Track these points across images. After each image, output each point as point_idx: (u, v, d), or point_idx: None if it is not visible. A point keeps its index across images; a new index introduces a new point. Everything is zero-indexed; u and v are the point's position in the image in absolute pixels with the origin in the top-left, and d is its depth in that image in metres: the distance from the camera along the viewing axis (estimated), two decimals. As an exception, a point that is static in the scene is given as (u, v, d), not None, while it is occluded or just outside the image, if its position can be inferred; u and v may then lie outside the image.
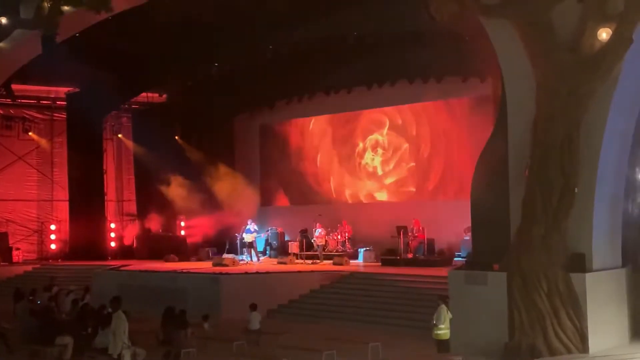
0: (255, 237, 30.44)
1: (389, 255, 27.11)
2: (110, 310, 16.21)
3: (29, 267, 32.49)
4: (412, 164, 30.67)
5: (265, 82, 32.25)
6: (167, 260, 31.13)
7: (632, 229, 17.88)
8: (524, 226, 16.22)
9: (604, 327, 16.12)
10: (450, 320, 16.14)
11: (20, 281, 28.87)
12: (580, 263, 16.08)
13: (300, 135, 34.38)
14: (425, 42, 25.90)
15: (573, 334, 15.81)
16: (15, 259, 33.59)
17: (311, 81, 31.29)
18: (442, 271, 21.53)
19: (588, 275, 15.99)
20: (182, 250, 32.85)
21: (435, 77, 27.99)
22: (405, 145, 30.89)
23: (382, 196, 31.92)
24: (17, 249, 34.40)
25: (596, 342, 15.82)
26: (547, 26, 16.15)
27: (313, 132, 34.04)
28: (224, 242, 31.40)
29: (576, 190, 15.98)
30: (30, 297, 22.76)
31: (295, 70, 30.79)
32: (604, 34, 15.57)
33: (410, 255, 26.74)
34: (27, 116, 35.54)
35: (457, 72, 26.28)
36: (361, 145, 32.26)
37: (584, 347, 15.76)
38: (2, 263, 31.69)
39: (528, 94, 16.56)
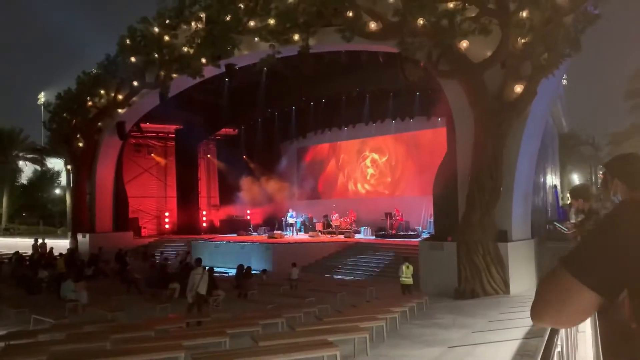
0: (294, 220, 30.48)
1: (380, 232, 27.01)
2: (194, 266, 16.22)
3: (152, 239, 32.76)
4: (389, 174, 30.76)
5: (300, 121, 32.40)
6: (239, 235, 31.23)
7: (537, 214, 17.83)
8: (467, 212, 16.15)
9: (520, 277, 16.05)
10: (412, 273, 16.04)
11: (146, 248, 29.12)
12: (503, 236, 16.06)
13: (323, 154, 34.41)
14: (401, 94, 25.97)
15: (499, 282, 15.71)
16: (143, 233, 33.90)
17: (329, 119, 31.33)
18: (414, 242, 21.47)
19: (509, 244, 15.96)
20: (248, 228, 32.95)
21: (408, 116, 27.94)
22: (385, 159, 31.08)
23: (374, 193, 31.88)
24: (144, 227, 34.72)
25: (515, 286, 15.75)
26: (481, 83, 16.11)
27: (331, 152, 34.06)
28: (274, 223, 31.45)
29: (501, 189, 15.91)
30: (152, 257, 23.00)
31: (319, 112, 30.92)
32: (519, 88, 15.51)
33: (393, 232, 26.65)
34: (150, 144, 35.84)
35: (423, 113, 26.22)
36: (362, 160, 32.26)
37: (507, 289, 15.66)
38: (134, 236, 31.95)
39: (469, 127, 16.50)
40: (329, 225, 29.52)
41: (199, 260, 14.58)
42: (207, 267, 14.56)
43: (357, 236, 27.68)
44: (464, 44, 16.07)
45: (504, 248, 15.85)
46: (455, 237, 16.42)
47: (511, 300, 14.65)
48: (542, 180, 18.58)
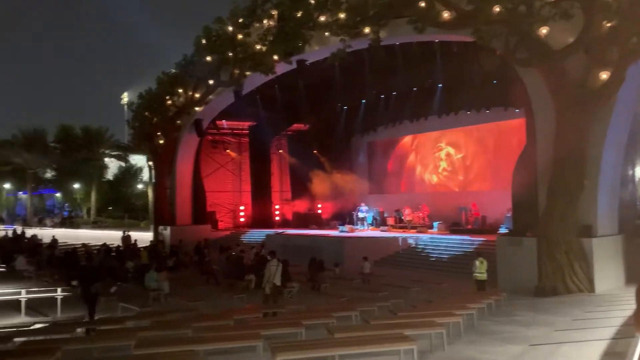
0: (365, 214, 30.40)
1: (455, 227, 26.37)
2: (268, 258, 16.52)
3: (228, 232, 33.74)
4: (462, 172, 29.95)
5: (371, 114, 32.17)
6: (310, 228, 31.56)
7: (626, 208, 16.75)
8: (549, 207, 15.43)
9: (606, 275, 15.17)
10: (486, 268, 15.55)
11: (223, 240, 29.98)
12: (588, 231, 15.25)
13: (395, 147, 34.02)
14: (477, 84, 25.08)
15: (583, 279, 14.91)
16: (219, 227, 35.03)
17: (401, 112, 30.83)
18: (490, 237, 20.81)
19: (594, 239, 15.14)
20: (319, 222, 33.20)
21: (484, 107, 26.98)
22: (460, 157, 30.17)
23: (444, 187, 31.19)
24: (221, 221, 35.87)
25: (600, 285, 14.91)
26: (562, 71, 15.30)
27: (403, 145, 33.60)
28: (345, 217, 31.51)
29: (585, 182, 15.08)
30: (228, 250, 23.71)
31: (390, 105, 30.55)
32: (604, 75, 14.60)
33: (469, 226, 25.95)
34: (225, 140, 36.91)
35: (500, 103, 25.22)
36: (436, 151, 31.57)
37: (591, 288, 14.85)
38: (212, 229, 33.07)
39: (550, 117, 15.74)
40: (401, 220, 29.19)
41: (273, 253, 14.85)
42: (280, 260, 14.83)
43: (430, 230, 27.19)
44: (544, 30, 15.29)
45: (588, 244, 15.01)
46: (535, 232, 15.74)
47: (597, 299, 13.85)
48: (630, 172, 17.35)
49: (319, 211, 35.08)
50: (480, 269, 15.55)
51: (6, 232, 33.08)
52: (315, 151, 35.08)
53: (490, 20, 15.46)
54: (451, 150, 30.83)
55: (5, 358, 7.15)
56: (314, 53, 23.30)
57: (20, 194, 54.71)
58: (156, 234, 31.55)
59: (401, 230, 27.99)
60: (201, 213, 33.17)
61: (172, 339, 8.36)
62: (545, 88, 15.73)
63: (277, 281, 13.72)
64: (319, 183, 33.13)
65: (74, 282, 16.12)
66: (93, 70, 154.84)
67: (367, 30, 18.66)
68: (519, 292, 15.06)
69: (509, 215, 22.24)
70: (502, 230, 22.86)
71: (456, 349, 8.59)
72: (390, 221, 29.78)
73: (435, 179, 31.80)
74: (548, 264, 15.12)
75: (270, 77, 24.74)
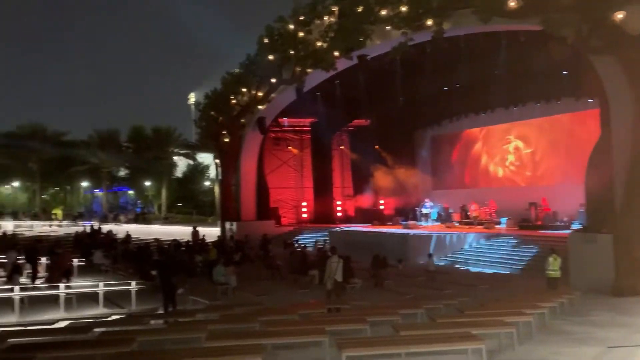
0: (429, 210, 29.91)
1: (524, 223, 25.42)
2: (329, 254, 16.54)
3: (291, 228, 34.15)
4: (530, 168, 28.89)
5: (435, 108, 31.58)
6: (372, 225, 31.41)
7: None
8: (626, 202, 14.58)
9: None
10: (560, 265, 14.88)
11: (286, 236, 30.39)
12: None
13: (460, 141, 33.23)
14: (546, 74, 24.02)
15: (666, 279, 13.97)
16: (283, 222, 35.57)
17: (466, 105, 30.09)
18: (562, 234, 19.92)
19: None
20: (381, 218, 33.00)
21: (554, 98, 25.82)
22: (529, 152, 29.03)
23: (510, 182, 30.13)
24: (284, 216, 36.43)
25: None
26: (642, 58, 14.37)
27: (468, 139, 32.75)
28: (407, 213, 31.15)
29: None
30: (292, 245, 24.00)
31: (455, 98, 29.72)
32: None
33: (539, 222, 24.94)
34: (287, 137, 37.45)
35: (571, 94, 24.07)
36: (504, 143, 30.57)
37: (675, 288, 13.88)
38: (275, 225, 33.61)
39: (627, 107, 14.83)
40: (467, 216, 28.50)
41: (333, 249, 14.91)
42: (340, 256, 14.85)
43: (498, 227, 26.37)
44: (620, 15, 14.41)
45: (669, 240, 14.07)
46: (611, 229, 14.91)
47: (682, 300, 12.97)
48: None
49: (382, 207, 34.86)
50: (554, 266, 14.92)
51: (84, 228, 35.07)
52: (376, 146, 34.85)
53: (561, 7, 14.78)
54: (520, 144, 29.76)
55: (87, 347, 7.61)
56: (375, 47, 23.12)
57: (97, 192, 57.81)
58: (223, 229, 32.47)
59: (467, 226, 27.32)
60: (265, 209, 33.79)
61: (241, 333, 8.59)
62: (622, 76, 14.84)
63: (339, 277, 13.76)
64: (381, 178, 32.93)
65: (154, 272, 16.96)
66: (162, 73, 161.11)
67: (429, 22, 18.33)
68: (593, 291, 14.34)
69: (582, 210, 21.23)
70: (575, 226, 21.84)
71: (527, 349, 8.31)
72: (456, 217, 29.15)
73: (501, 172, 30.83)
74: (626, 262, 14.31)
75: (331, 73, 24.79)
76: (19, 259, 19.40)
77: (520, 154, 29.77)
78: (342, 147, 37.89)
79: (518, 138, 29.81)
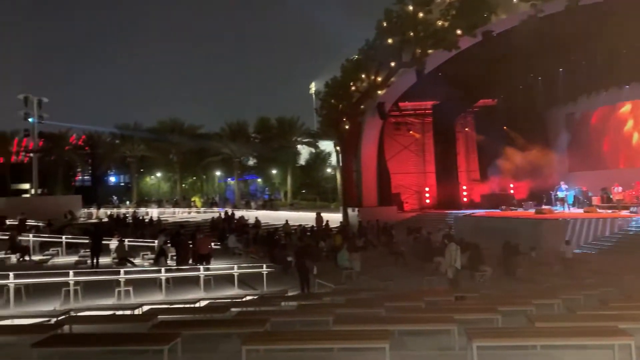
0: (565, 194, 27.77)
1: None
2: (446, 242, 16.06)
3: (414, 214, 33.82)
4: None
5: (569, 83, 29.05)
6: (501, 210, 29.93)
7: None
8: None
9: None
10: None
11: (409, 222, 30.17)
12: None
13: (600, 118, 30.35)
14: None
15: None
16: (405, 208, 35.30)
17: (606, 79, 27.27)
18: None
19: None
20: (511, 203, 31.32)
21: None
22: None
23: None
24: (406, 202, 36.11)
25: None
26: None
27: (610, 115, 29.76)
28: (541, 197, 29.24)
29: None
30: (417, 231, 23.74)
31: (593, 72, 27.03)
32: None
33: (697, 206, 22.08)
34: (408, 121, 36.96)
35: None
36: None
37: None
38: (398, 211, 33.45)
39: None
40: (609, 200, 26.04)
41: (450, 236, 14.57)
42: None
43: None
44: None
45: None
46: None
47: None
48: None
49: (511, 191, 33.10)
50: None
51: (219, 214, 37.69)
52: (505, 127, 33.11)
53: None
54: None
55: (225, 326, 8.18)
56: (500, 22, 21.93)
57: (229, 180, 61.73)
58: (345, 215, 33.00)
59: (610, 211, 24.97)
60: (386, 195, 33.74)
61: (367, 317, 8.67)
62: None
63: (459, 265, 13.45)
64: (511, 161, 31.22)
65: (290, 258, 17.91)
66: (284, 65, 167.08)
67: (563, -10, 16.89)
68: None
69: None
70: None
71: (688, 348, 7.38)
72: (596, 201, 26.78)
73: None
74: None
75: (454, 52, 23.91)
76: (166, 242, 21.36)
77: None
78: (467, 129, 36.54)
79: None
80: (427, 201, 36.32)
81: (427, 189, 36.54)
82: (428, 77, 28.47)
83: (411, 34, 25.25)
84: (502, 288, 13.97)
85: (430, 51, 25.00)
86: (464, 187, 35.54)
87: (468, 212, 30.52)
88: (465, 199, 34.99)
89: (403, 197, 36.07)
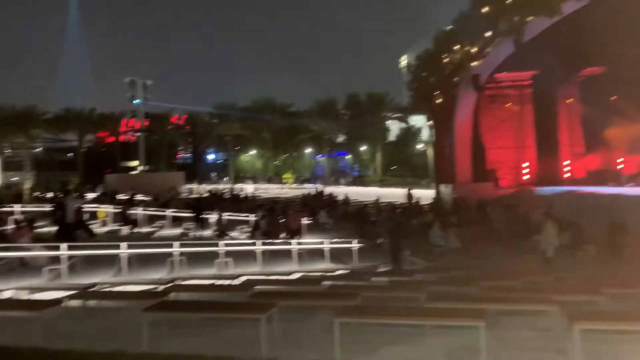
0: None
1: None
2: (545, 220, 15.28)
3: (511, 190, 32.34)
4: None
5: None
6: (607, 186, 27.84)
7: None
8: None
9: None
10: None
11: (505, 199, 28.76)
12: None
13: None
14: None
15: None
16: (501, 184, 33.87)
17: None
18: None
19: None
20: (618, 179, 29.04)
21: None
22: None
23: None
24: (502, 178, 34.52)
25: None
26: None
27: None
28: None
29: None
30: (514, 208, 22.76)
31: None
32: None
33: None
34: (504, 93, 35.13)
35: None
36: None
37: None
38: (494, 187, 32.10)
39: None
40: None
41: (547, 214, 13.89)
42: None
43: None
44: None
45: None
46: None
47: None
48: None
49: (620, 166, 30.68)
50: None
51: (310, 191, 38.45)
52: (614, 97, 30.57)
53: None
54: None
55: (318, 298, 8.42)
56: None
57: (319, 157, 62.61)
58: (438, 191, 32.36)
59: None
60: (481, 170, 32.55)
61: (460, 295, 8.53)
62: None
63: (556, 242, 12.83)
64: (620, 134, 28.93)
65: (380, 240, 18.02)
66: (373, 39, 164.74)
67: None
68: None
69: None
70: None
71: None
72: None
73: None
74: None
75: (556, 19, 22.33)
76: (263, 217, 22.22)
77: None
78: (571, 100, 34.18)
79: None
80: (526, 177, 34.62)
81: (525, 164, 34.77)
82: (527, 46, 26.83)
83: (508, 0, 23.90)
84: (607, 269, 13.13)
85: (529, 18, 23.53)
86: (566, 162, 33.46)
87: (570, 188, 28.76)
88: (567, 175, 32.98)
89: (499, 173, 34.57)
